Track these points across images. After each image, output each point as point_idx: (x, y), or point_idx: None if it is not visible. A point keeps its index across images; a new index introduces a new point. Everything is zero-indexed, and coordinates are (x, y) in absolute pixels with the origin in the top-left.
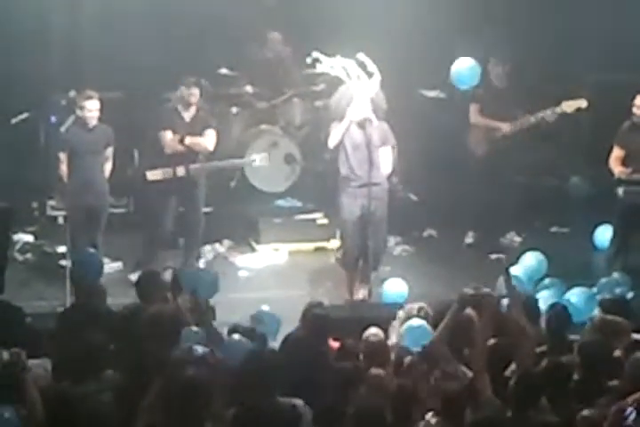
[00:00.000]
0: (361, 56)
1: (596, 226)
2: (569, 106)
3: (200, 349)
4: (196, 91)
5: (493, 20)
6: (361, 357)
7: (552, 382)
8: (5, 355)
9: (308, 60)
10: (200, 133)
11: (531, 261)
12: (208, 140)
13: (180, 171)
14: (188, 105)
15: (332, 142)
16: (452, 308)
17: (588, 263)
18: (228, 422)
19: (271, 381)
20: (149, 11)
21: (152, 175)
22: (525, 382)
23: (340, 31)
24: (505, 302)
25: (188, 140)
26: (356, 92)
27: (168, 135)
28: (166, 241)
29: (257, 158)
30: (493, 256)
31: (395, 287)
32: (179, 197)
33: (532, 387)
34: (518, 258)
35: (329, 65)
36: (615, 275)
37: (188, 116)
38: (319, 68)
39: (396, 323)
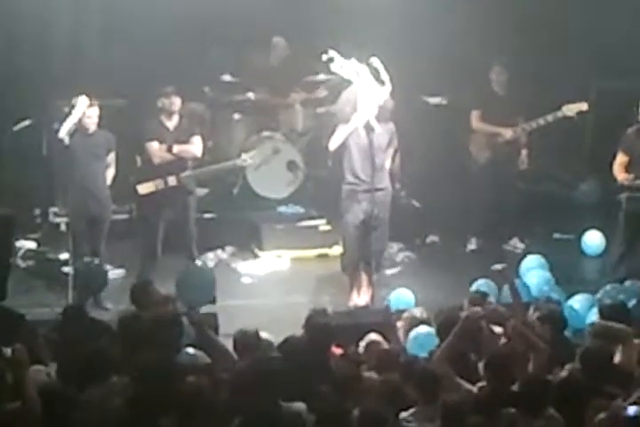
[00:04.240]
0: (375, 61)
1: (583, 231)
2: (570, 109)
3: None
4: (176, 99)
5: (497, 27)
6: (364, 363)
7: (558, 393)
8: (8, 352)
9: (324, 58)
10: (186, 141)
11: (534, 265)
12: (195, 146)
13: (172, 180)
14: (170, 114)
15: (332, 145)
16: (459, 324)
17: (591, 270)
18: None
19: (277, 387)
20: (152, 18)
21: (143, 189)
22: (528, 390)
23: (343, 36)
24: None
25: (175, 148)
26: (363, 96)
27: (154, 146)
28: (158, 252)
29: (247, 157)
30: (496, 266)
31: (401, 299)
32: (172, 206)
33: (534, 396)
34: (519, 263)
35: (341, 66)
36: (627, 283)
37: (171, 125)
38: (332, 68)
39: (400, 329)
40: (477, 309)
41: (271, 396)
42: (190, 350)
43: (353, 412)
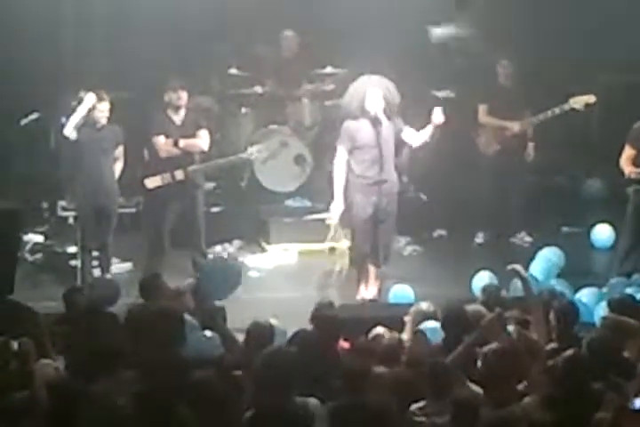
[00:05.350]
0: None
1: (592, 225)
2: (577, 102)
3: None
4: (183, 93)
5: (506, 22)
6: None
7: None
8: (15, 345)
9: None
10: (193, 135)
11: (547, 257)
12: (202, 140)
13: (179, 174)
14: (177, 108)
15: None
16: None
17: (601, 263)
18: (247, 424)
19: (291, 381)
20: (160, 10)
21: (151, 182)
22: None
23: (354, 31)
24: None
25: (181, 142)
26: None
27: (161, 140)
28: (165, 246)
29: (254, 151)
30: (509, 267)
31: (400, 295)
32: (179, 201)
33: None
34: (533, 257)
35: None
36: (635, 276)
37: (178, 119)
38: None
39: (407, 323)
40: (494, 316)
41: (283, 389)
42: (208, 333)
43: (363, 405)
